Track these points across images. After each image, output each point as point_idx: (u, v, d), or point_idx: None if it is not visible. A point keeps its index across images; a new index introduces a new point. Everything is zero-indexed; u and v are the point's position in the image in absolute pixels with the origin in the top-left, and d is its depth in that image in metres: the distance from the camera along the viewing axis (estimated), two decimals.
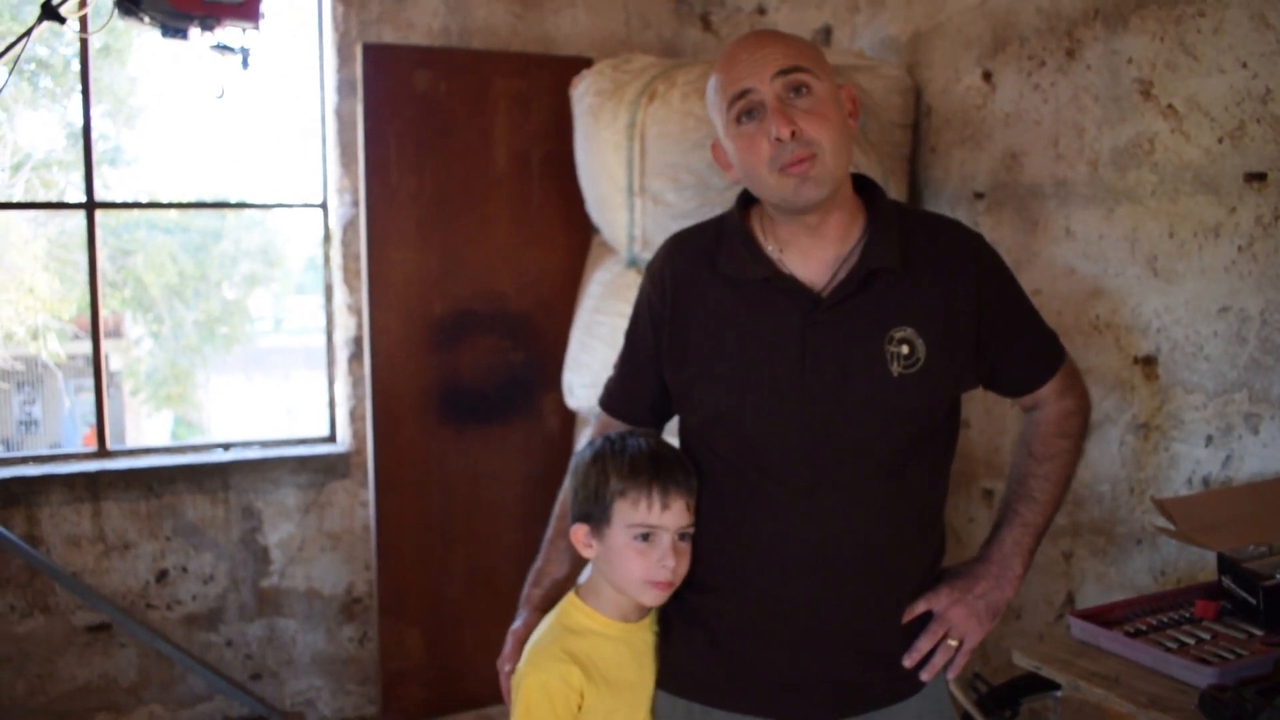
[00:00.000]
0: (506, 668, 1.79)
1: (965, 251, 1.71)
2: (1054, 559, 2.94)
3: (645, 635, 1.78)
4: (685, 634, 1.76)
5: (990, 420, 3.18)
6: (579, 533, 1.74)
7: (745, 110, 1.61)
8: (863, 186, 1.73)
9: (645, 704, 1.75)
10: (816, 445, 1.65)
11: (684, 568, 1.71)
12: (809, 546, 1.66)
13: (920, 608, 1.74)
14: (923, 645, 1.73)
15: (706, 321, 1.72)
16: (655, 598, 1.72)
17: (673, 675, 1.76)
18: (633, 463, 1.69)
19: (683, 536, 1.70)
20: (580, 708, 1.67)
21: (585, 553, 1.76)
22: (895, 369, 1.63)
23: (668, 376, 1.78)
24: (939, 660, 1.73)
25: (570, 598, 1.78)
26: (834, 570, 1.67)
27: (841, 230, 1.68)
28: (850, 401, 1.63)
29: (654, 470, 1.68)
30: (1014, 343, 1.74)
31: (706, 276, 1.73)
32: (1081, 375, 1.86)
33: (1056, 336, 1.81)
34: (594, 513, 1.71)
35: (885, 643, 1.72)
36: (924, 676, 1.73)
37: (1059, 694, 1.86)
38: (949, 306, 1.66)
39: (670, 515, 1.68)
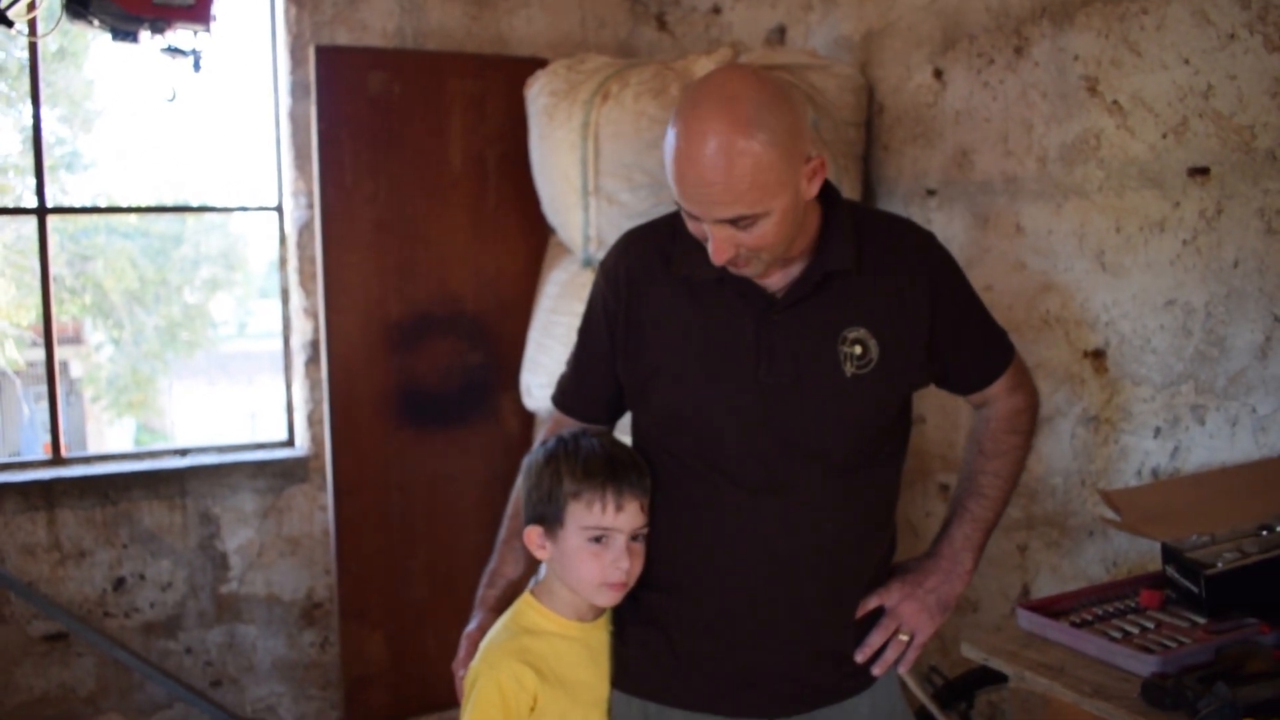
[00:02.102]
0: (460, 672, 1.78)
1: (918, 252, 1.73)
2: (1009, 552, 2.97)
3: (601, 635, 1.79)
4: (639, 633, 1.77)
5: (945, 416, 3.21)
6: (533, 534, 1.74)
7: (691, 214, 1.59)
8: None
9: (601, 704, 1.75)
10: (770, 445, 1.66)
11: (638, 568, 1.71)
12: (761, 545, 1.68)
13: (872, 603, 1.76)
14: (874, 641, 1.75)
15: (661, 320, 1.72)
16: (610, 598, 1.72)
17: (628, 674, 1.76)
18: (586, 464, 1.69)
19: (636, 538, 1.70)
20: (533, 709, 1.68)
21: (539, 554, 1.75)
22: (849, 369, 1.64)
23: (621, 374, 1.78)
24: (890, 655, 1.75)
25: (525, 597, 1.79)
26: (786, 569, 1.68)
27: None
28: (804, 402, 1.65)
29: (608, 472, 1.68)
30: (964, 342, 1.76)
31: (660, 275, 1.73)
32: (1030, 373, 1.89)
33: (1006, 335, 1.83)
34: (547, 514, 1.71)
35: (837, 640, 1.74)
36: (875, 671, 1.75)
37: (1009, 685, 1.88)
38: (901, 307, 1.68)
39: (624, 517, 1.68)
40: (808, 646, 1.71)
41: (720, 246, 1.55)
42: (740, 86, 1.51)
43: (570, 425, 1.88)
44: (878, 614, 1.77)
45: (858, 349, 1.65)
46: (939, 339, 1.71)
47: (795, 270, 1.67)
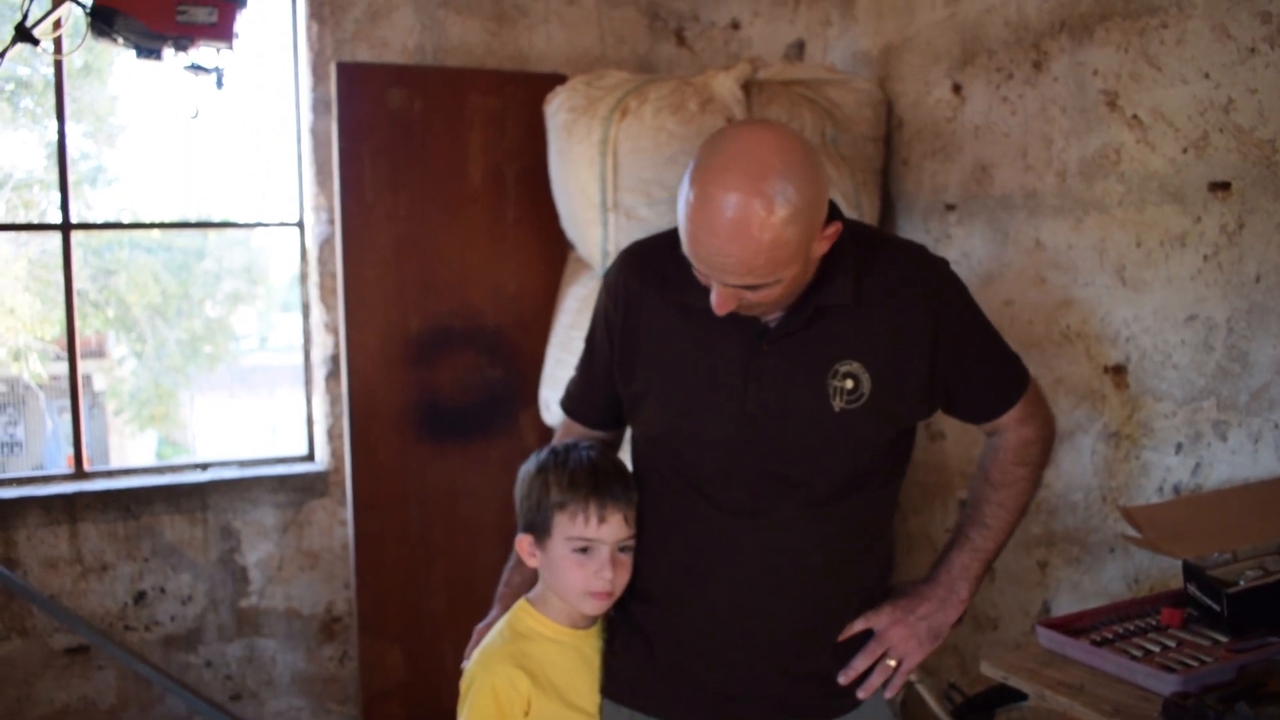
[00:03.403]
0: (465, 662, 1.82)
1: (920, 284, 1.69)
2: (1029, 568, 2.95)
3: (594, 642, 1.81)
4: (627, 643, 1.79)
5: (965, 431, 3.19)
6: (523, 543, 1.78)
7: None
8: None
9: (594, 709, 1.77)
10: (751, 473, 1.66)
11: (624, 578, 1.73)
12: (741, 568, 1.68)
13: (858, 626, 1.75)
14: (859, 664, 1.74)
15: (655, 341, 1.73)
16: (595, 607, 1.75)
17: (615, 682, 1.79)
18: (572, 476, 1.72)
19: (623, 549, 1.73)
20: (528, 713, 1.69)
21: (530, 562, 1.79)
22: (837, 404, 1.63)
23: (619, 388, 1.80)
24: (876, 680, 1.74)
25: (521, 603, 1.82)
26: (765, 592, 1.69)
27: None
28: (790, 433, 1.64)
29: (592, 484, 1.71)
30: (971, 374, 1.73)
31: (656, 295, 1.73)
32: (1046, 402, 1.85)
33: (1019, 364, 1.80)
34: (536, 524, 1.75)
35: (815, 661, 1.73)
36: (860, 694, 1.74)
37: (1028, 703, 1.87)
38: (899, 341, 1.65)
39: (607, 529, 1.70)
40: (784, 666, 1.71)
41: (724, 302, 1.55)
42: (768, 153, 1.46)
43: (578, 431, 1.92)
44: (868, 635, 1.76)
45: (849, 383, 1.63)
46: (942, 371, 1.69)
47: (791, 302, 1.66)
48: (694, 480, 1.69)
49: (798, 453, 1.65)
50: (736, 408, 1.64)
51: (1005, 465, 1.80)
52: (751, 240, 1.45)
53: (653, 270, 1.75)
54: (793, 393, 1.64)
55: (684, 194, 1.51)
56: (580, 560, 1.70)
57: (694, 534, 1.70)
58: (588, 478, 1.71)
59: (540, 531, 1.74)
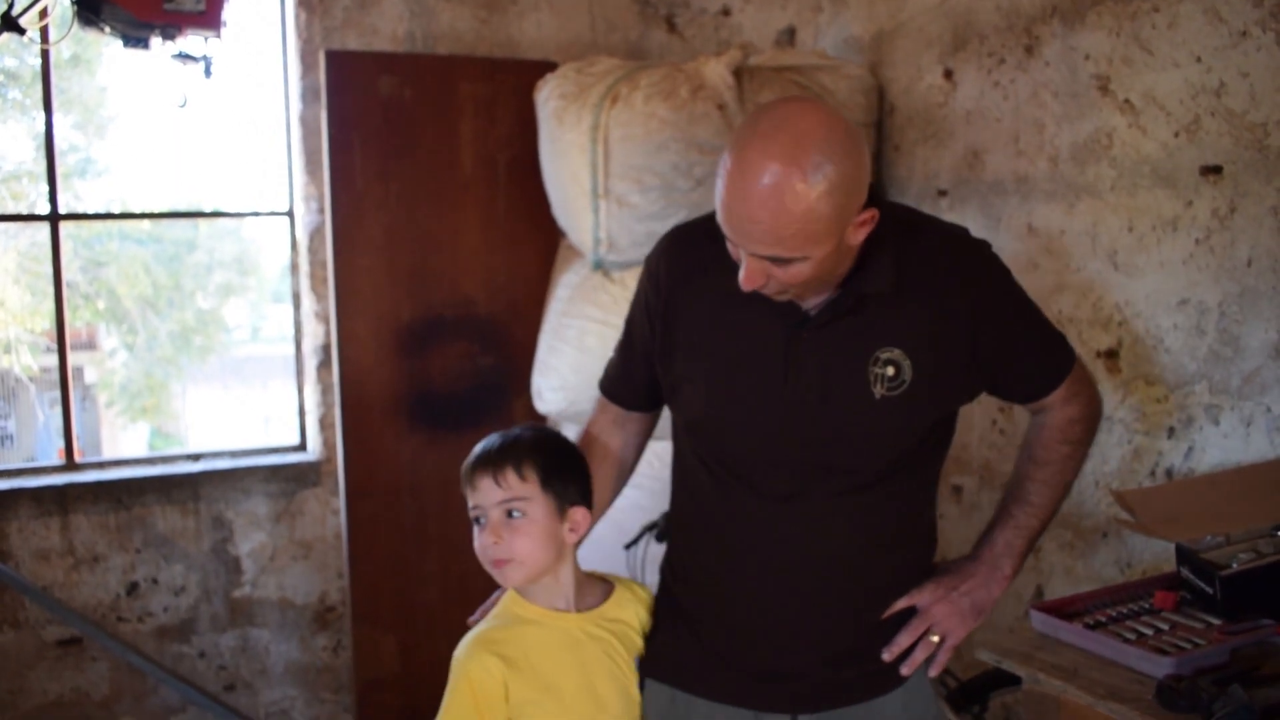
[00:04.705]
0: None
1: (961, 270, 1.67)
2: None
3: (586, 625, 1.79)
4: (669, 623, 1.80)
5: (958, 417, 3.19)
6: None
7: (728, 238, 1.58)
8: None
9: (583, 690, 1.75)
10: (792, 459, 1.66)
11: (519, 544, 1.71)
12: (780, 552, 1.68)
13: (901, 604, 1.75)
14: (902, 640, 1.74)
15: (696, 324, 1.73)
16: (500, 577, 1.74)
17: (657, 661, 1.79)
18: (467, 460, 1.75)
19: (510, 514, 1.71)
20: (507, 698, 1.70)
21: None
22: (878, 390, 1.63)
23: (658, 370, 1.80)
24: (919, 655, 1.74)
25: (510, 591, 1.81)
26: (805, 576, 1.69)
27: None
28: (829, 420, 1.64)
29: (471, 459, 1.73)
30: (1015, 357, 1.72)
31: (699, 278, 1.73)
32: (1092, 381, 1.84)
33: (1064, 344, 1.79)
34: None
35: (857, 642, 1.74)
36: (904, 670, 1.74)
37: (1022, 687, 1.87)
38: (941, 328, 1.64)
39: (480, 494, 1.71)
40: (826, 647, 1.72)
41: (751, 275, 1.54)
42: (811, 125, 1.46)
43: (613, 411, 1.92)
44: (910, 614, 1.76)
45: (890, 370, 1.62)
46: (985, 356, 1.68)
47: (832, 289, 1.65)
48: (733, 465, 1.69)
49: (838, 439, 1.64)
50: (777, 394, 1.64)
51: (1049, 443, 1.79)
52: (783, 209, 1.45)
53: (695, 254, 1.74)
54: (833, 380, 1.63)
55: (723, 163, 1.51)
56: (477, 531, 1.72)
57: (733, 518, 1.70)
58: (470, 457, 1.74)
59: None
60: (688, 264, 1.75)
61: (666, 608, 1.82)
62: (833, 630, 1.71)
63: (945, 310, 1.64)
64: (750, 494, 1.68)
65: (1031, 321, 1.75)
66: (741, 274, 1.55)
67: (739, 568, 1.71)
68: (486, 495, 1.70)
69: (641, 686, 1.79)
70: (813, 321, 1.64)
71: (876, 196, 1.60)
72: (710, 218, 1.68)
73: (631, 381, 1.88)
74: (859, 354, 1.63)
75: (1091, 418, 1.82)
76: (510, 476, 1.70)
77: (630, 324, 1.87)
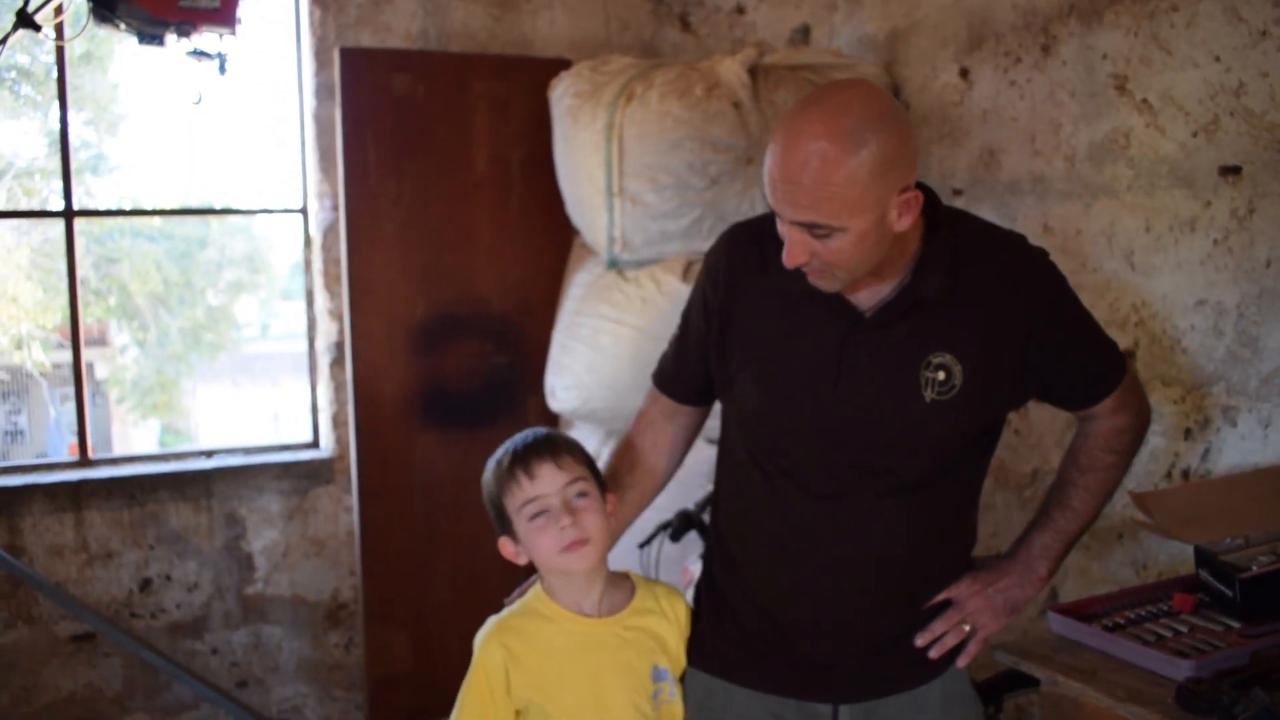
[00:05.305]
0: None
1: (1016, 277, 1.68)
2: None
3: (610, 630, 1.78)
4: (712, 613, 1.83)
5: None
6: (506, 547, 1.79)
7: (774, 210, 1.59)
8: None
9: (582, 701, 1.74)
10: (841, 460, 1.68)
11: (592, 522, 1.71)
12: (825, 550, 1.70)
13: (939, 597, 1.77)
14: (936, 627, 1.76)
15: (751, 322, 1.75)
16: (578, 561, 1.72)
17: (700, 651, 1.82)
18: (498, 463, 1.74)
19: (579, 495, 1.71)
20: (509, 690, 1.72)
21: (519, 561, 1.79)
22: (929, 395, 1.63)
23: (712, 366, 1.81)
24: (950, 640, 1.76)
25: (537, 586, 1.82)
26: (848, 574, 1.71)
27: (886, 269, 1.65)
28: (879, 423, 1.65)
29: (514, 457, 1.72)
30: (1066, 365, 1.72)
31: (757, 276, 1.74)
32: (1142, 391, 1.84)
33: (1116, 353, 1.78)
34: (502, 523, 1.76)
35: (896, 634, 1.76)
36: (932, 654, 1.75)
37: (1039, 689, 1.87)
38: (993, 334, 1.65)
39: (543, 482, 1.70)
40: (867, 639, 1.74)
41: (794, 249, 1.56)
42: (854, 99, 1.50)
43: (665, 403, 1.93)
44: (946, 604, 1.78)
45: (941, 374, 1.63)
46: (1036, 363, 1.68)
47: (887, 290, 1.65)
48: (781, 462, 1.71)
49: (887, 442, 1.66)
50: (828, 395, 1.65)
51: (1094, 451, 1.79)
52: (820, 170, 1.48)
53: (753, 252, 1.75)
54: (884, 382, 1.64)
55: (773, 135, 1.55)
56: (540, 525, 1.70)
57: (779, 514, 1.72)
58: (510, 456, 1.73)
59: (506, 525, 1.75)
60: (746, 261, 1.77)
61: (709, 596, 1.85)
62: (876, 622, 1.74)
63: (999, 316, 1.65)
64: (798, 491, 1.70)
65: (1085, 329, 1.75)
66: (785, 253, 1.56)
67: (783, 563, 1.73)
68: (550, 482, 1.70)
69: (681, 678, 1.81)
70: (867, 324, 1.65)
71: (930, 193, 1.62)
72: (770, 216, 1.69)
73: (684, 375, 1.90)
74: (911, 358, 1.64)
75: (1139, 429, 1.82)
76: (568, 460, 1.72)
77: (686, 318, 1.89)
